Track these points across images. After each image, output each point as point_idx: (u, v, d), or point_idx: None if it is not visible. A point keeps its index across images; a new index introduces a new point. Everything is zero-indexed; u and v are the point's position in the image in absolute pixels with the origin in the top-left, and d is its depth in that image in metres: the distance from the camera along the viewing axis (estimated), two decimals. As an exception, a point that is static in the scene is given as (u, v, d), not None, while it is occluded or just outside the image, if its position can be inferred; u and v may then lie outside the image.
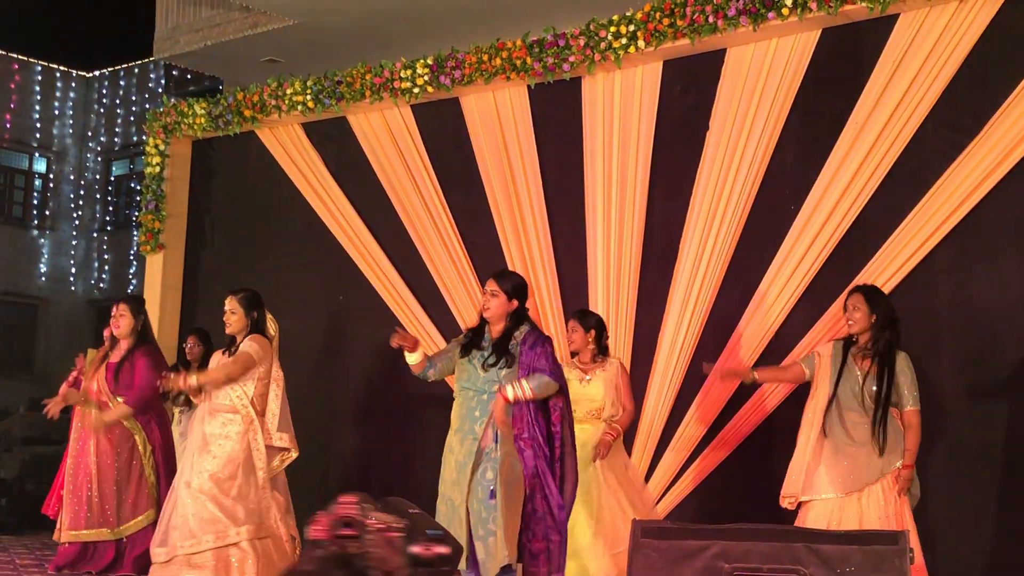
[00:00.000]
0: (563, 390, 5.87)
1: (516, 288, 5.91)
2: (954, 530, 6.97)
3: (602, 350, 7.13)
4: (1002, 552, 6.87)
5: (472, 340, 5.97)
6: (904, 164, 7.36)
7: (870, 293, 6.27)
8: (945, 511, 7.01)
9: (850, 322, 6.21)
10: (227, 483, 6.43)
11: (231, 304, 6.79)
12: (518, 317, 5.87)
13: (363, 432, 9.66)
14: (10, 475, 11.02)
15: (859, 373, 6.10)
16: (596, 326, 7.14)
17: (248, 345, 6.66)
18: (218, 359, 6.87)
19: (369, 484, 9.18)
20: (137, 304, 8.00)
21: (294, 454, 6.89)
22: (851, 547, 4.01)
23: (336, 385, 9.97)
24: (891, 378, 6.01)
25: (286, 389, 7.04)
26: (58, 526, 7.71)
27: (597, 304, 8.29)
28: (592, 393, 6.99)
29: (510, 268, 8.68)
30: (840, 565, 3.97)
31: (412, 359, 6.03)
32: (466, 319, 8.95)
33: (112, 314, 7.87)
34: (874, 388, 6.03)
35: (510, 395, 5.64)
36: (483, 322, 6.01)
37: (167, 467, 7.67)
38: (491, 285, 5.89)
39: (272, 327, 7.00)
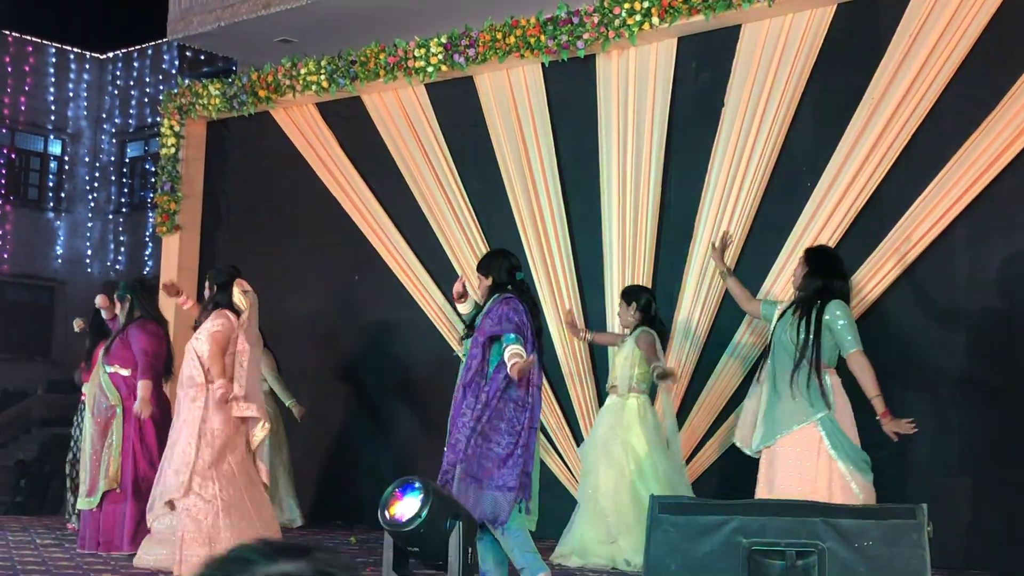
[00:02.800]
0: (529, 348, 5.82)
1: (482, 265, 6.12)
2: (971, 503, 6.98)
3: (645, 322, 7.21)
4: (1020, 524, 6.88)
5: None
6: (921, 139, 7.33)
7: (809, 251, 6.22)
8: (963, 484, 7.02)
9: (793, 278, 6.20)
10: (182, 453, 6.50)
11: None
12: (493, 292, 5.97)
13: (378, 409, 9.69)
14: (29, 456, 11.11)
15: (791, 324, 5.95)
16: (638, 299, 7.26)
17: (213, 324, 6.68)
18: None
19: (385, 460, 9.24)
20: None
21: (265, 424, 6.73)
22: (869, 521, 4.01)
23: (351, 364, 10.00)
24: (813, 326, 5.82)
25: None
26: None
27: (612, 283, 8.29)
28: (616, 363, 7.22)
29: (526, 248, 8.71)
30: (858, 539, 3.97)
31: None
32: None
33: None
34: (797, 336, 5.88)
35: (515, 371, 5.63)
36: None
37: (139, 438, 7.68)
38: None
39: (245, 301, 6.95)
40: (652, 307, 7.28)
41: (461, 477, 5.62)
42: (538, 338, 5.93)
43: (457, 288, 6.30)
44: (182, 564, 6.35)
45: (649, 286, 8.20)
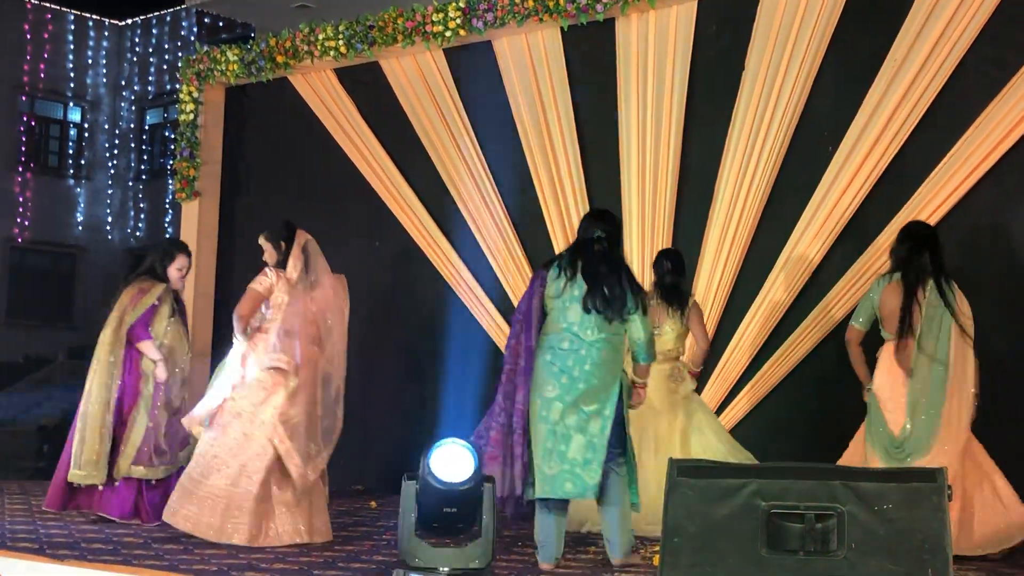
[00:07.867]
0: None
1: None
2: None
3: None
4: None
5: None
6: (943, 101, 7.26)
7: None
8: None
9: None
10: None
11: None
12: None
13: (397, 376, 9.69)
14: (51, 422, 11.17)
15: None
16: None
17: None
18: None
19: (407, 427, 9.25)
20: None
21: None
22: (889, 484, 3.98)
23: (370, 330, 9.99)
24: None
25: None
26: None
27: (632, 247, 8.26)
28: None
29: (544, 213, 8.71)
30: (878, 502, 3.95)
31: None
32: (501, 264, 8.94)
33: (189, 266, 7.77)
34: None
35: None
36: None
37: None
38: None
39: None
40: None
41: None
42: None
43: None
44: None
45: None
